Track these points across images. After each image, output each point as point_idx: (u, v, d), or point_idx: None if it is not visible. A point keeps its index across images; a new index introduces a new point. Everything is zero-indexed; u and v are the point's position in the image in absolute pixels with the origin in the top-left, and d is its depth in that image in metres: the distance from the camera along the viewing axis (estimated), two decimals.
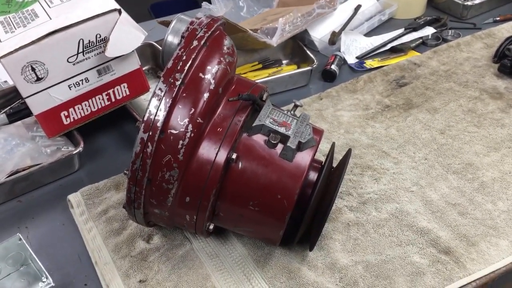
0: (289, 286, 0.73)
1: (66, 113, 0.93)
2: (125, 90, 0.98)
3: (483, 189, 0.86)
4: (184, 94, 0.65)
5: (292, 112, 0.75)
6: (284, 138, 0.69)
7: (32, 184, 0.92)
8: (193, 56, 0.67)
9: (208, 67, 0.67)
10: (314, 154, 0.71)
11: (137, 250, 0.79)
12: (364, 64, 1.19)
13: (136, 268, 0.77)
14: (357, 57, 1.21)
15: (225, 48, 0.71)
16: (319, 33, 1.24)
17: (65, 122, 0.94)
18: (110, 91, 0.96)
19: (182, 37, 0.70)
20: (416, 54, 1.21)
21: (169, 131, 0.65)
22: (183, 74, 0.65)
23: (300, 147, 0.69)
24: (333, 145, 0.77)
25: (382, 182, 0.89)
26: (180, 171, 0.66)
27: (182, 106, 0.65)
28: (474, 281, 0.74)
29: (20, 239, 0.76)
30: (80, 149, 0.94)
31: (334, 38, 1.21)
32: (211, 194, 0.68)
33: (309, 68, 1.11)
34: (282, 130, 0.69)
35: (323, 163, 0.75)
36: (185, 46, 0.67)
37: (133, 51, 0.93)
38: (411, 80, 1.12)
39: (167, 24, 1.12)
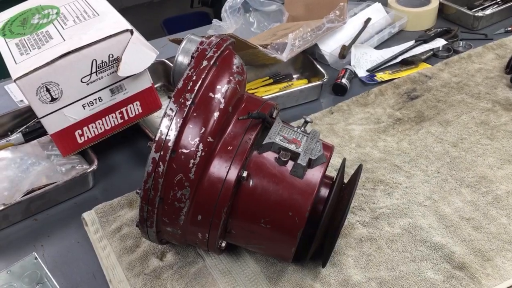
0: None
1: (80, 132, 0.94)
2: (137, 108, 0.99)
3: (497, 203, 0.86)
4: (195, 114, 0.66)
5: (302, 128, 0.75)
6: (294, 156, 0.69)
7: (47, 202, 0.93)
8: (203, 76, 0.68)
9: (218, 87, 0.68)
10: (325, 171, 0.71)
11: (151, 268, 0.80)
12: (375, 77, 1.19)
13: (149, 286, 0.77)
14: (367, 70, 1.21)
15: (234, 67, 0.72)
16: (329, 47, 1.25)
17: (79, 141, 0.95)
18: (123, 109, 0.97)
19: (192, 57, 0.71)
20: (427, 66, 1.21)
21: (180, 150, 0.65)
22: (193, 94, 0.66)
23: (311, 164, 0.69)
24: (344, 160, 0.77)
25: (395, 197, 0.88)
26: (191, 189, 0.67)
27: (192, 125, 0.66)
28: None
29: (36, 258, 0.78)
30: (94, 167, 0.95)
31: (344, 51, 1.21)
32: (222, 212, 0.68)
33: (319, 82, 1.12)
34: (292, 147, 0.70)
35: (334, 179, 0.75)
36: (195, 66, 0.68)
37: (145, 69, 0.95)
38: (423, 92, 1.12)
39: (178, 41, 1.14)
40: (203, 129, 0.66)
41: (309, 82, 1.18)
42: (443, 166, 0.94)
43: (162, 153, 0.65)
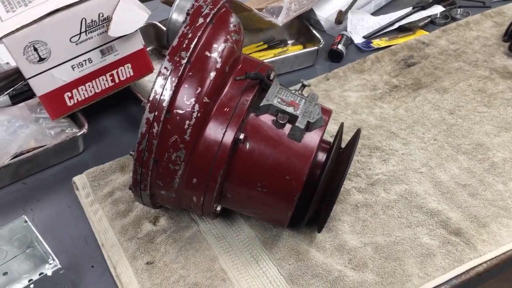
0: (297, 267, 0.73)
1: (69, 94, 0.92)
2: (129, 71, 0.96)
3: (493, 170, 0.85)
4: (190, 73, 0.64)
5: (299, 92, 0.73)
6: (292, 118, 0.68)
7: (36, 166, 0.91)
8: (199, 34, 0.65)
9: (215, 45, 0.66)
10: (323, 134, 0.69)
11: (144, 232, 0.78)
12: (371, 44, 1.17)
13: (143, 250, 0.76)
14: (364, 37, 1.18)
15: (231, 25, 0.69)
16: (325, 13, 1.22)
17: (68, 104, 0.92)
18: (114, 71, 0.94)
19: (188, 14, 0.68)
20: (425, 33, 1.19)
21: (175, 111, 0.63)
22: (189, 53, 0.64)
23: (309, 127, 0.68)
24: (341, 125, 0.75)
25: (391, 163, 0.87)
26: (187, 152, 0.65)
27: (188, 85, 0.64)
28: (485, 262, 0.73)
29: (25, 221, 0.75)
30: (84, 130, 0.92)
31: (341, 17, 1.18)
32: (218, 175, 0.66)
33: (315, 48, 1.09)
34: (290, 109, 0.68)
35: (331, 144, 0.74)
36: (191, 23, 0.66)
37: (136, 30, 0.92)
38: (420, 59, 1.10)
39: (170, 3, 1.10)
40: (199, 89, 0.64)
41: (304, 48, 1.15)
42: (439, 133, 0.93)
43: (156, 114, 0.63)
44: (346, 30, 1.18)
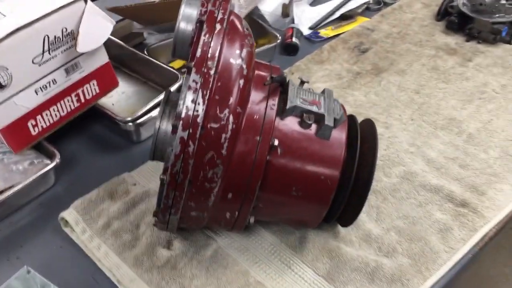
0: (333, 265, 0.72)
1: (33, 122, 0.81)
2: (94, 88, 0.88)
3: (472, 140, 0.91)
4: (219, 84, 0.59)
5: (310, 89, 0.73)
6: (317, 117, 0.66)
7: (8, 208, 0.79)
8: (220, 41, 0.61)
9: (237, 52, 0.62)
10: (347, 130, 0.69)
11: (162, 260, 0.72)
12: (320, 34, 1.19)
13: (168, 279, 0.70)
14: (310, 28, 1.20)
15: (245, 29, 0.66)
16: (269, 7, 1.21)
17: (33, 133, 0.82)
18: (79, 90, 0.85)
19: (201, 21, 0.63)
20: (365, 19, 1.23)
21: (209, 125, 0.59)
22: (215, 62, 0.59)
23: (335, 124, 0.67)
24: (354, 117, 0.75)
25: (382, 148, 0.90)
26: (224, 167, 0.61)
27: (219, 97, 0.59)
28: (494, 227, 0.78)
29: (28, 272, 0.66)
30: (57, 161, 0.82)
31: (287, 10, 1.18)
32: (256, 187, 0.63)
33: (273, 44, 1.08)
34: (314, 109, 0.67)
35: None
36: (209, 30, 0.61)
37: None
38: (371, 45, 1.14)
39: (120, 10, 1.02)
40: (231, 99, 0.60)
41: (257, 44, 1.13)
42: (414, 113, 0.97)
43: (191, 131, 0.58)
44: (293, 23, 1.19)
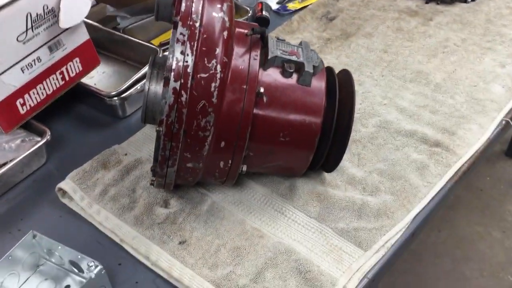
0: (323, 207, 0.77)
1: (21, 101, 0.83)
2: (77, 66, 0.90)
3: (439, 89, 0.98)
4: (205, 36, 0.63)
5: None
6: (298, 66, 0.71)
7: (3, 186, 0.81)
8: None
9: (218, 6, 0.66)
10: (326, 78, 0.74)
11: (161, 217, 0.76)
12: (288, 8, 1.23)
13: (169, 233, 0.73)
14: (278, 2, 1.25)
15: None
16: None
17: (21, 112, 0.84)
18: (63, 68, 0.88)
19: None
20: None
21: (199, 75, 0.63)
22: (199, 15, 0.63)
23: (315, 71, 0.72)
24: (331, 68, 0.79)
25: (358, 102, 0.94)
26: (215, 115, 0.64)
27: (206, 48, 0.63)
28: (466, 162, 0.84)
29: (34, 236, 0.68)
30: (47, 137, 0.85)
31: None
32: (246, 133, 0.67)
33: (245, 17, 1.13)
34: (294, 58, 0.71)
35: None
36: None
37: (81, 21, 0.86)
38: (337, 13, 1.20)
39: None
40: (217, 50, 0.64)
41: None
42: (383, 70, 1.03)
43: (182, 81, 0.62)
44: None
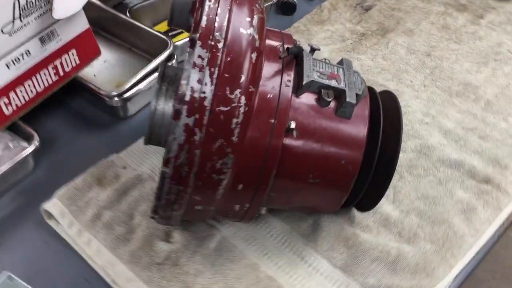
0: (351, 255, 0.66)
1: (6, 101, 0.71)
2: (74, 59, 0.77)
3: (490, 108, 0.84)
4: (229, 59, 0.50)
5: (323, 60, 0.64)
6: (337, 93, 0.58)
7: None
8: (228, 7, 0.51)
9: (247, 19, 0.52)
10: (369, 106, 0.61)
11: (162, 255, 0.65)
12: None
13: (170, 277, 0.63)
14: None
15: None
16: None
17: (6, 112, 0.72)
18: (57, 62, 0.75)
19: None
20: None
21: (218, 109, 0.50)
22: (223, 33, 0.50)
23: (357, 100, 0.59)
24: (374, 90, 0.66)
25: None
26: (235, 156, 0.52)
27: (229, 74, 0.50)
28: None
29: (10, 278, 0.58)
30: (36, 143, 0.73)
31: None
32: (270, 176, 0.55)
33: (269, 3, 0.98)
34: (333, 83, 0.58)
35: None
36: None
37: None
38: (374, 2, 1.05)
39: None
40: (242, 77, 0.51)
41: None
42: (426, 78, 0.89)
43: (197, 117, 0.49)
44: None
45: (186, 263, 0.64)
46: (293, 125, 0.55)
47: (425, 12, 1.02)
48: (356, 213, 0.70)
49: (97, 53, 0.80)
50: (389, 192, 0.73)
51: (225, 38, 0.50)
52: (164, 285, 0.62)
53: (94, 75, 0.86)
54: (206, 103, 0.49)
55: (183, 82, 0.50)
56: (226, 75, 0.50)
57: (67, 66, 0.76)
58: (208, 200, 0.56)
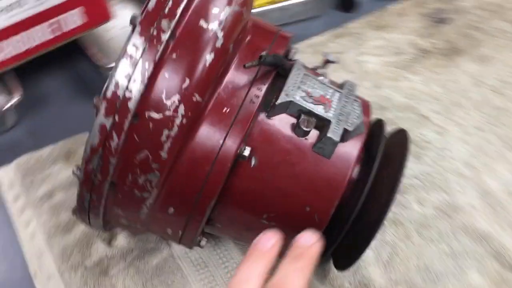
0: None
1: None
2: (77, 18, 0.70)
3: None
4: (174, 55, 0.40)
5: (322, 70, 0.52)
6: (321, 123, 0.46)
7: None
8: None
9: (214, 10, 0.41)
10: (362, 146, 0.48)
11: (95, 258, 0.57)
12: None
13: (92, 284, 0.55)
14: None
15: None
16: None
17: None
18: (56, 19, 0.68)
19: None
20: None
21: (147, 114, 0.40)
22: (174, 22, 0.40)
23: (345, 137, 0.46)
24: (381, 123, 0.53)
25: (425, 162, 0.67)
26: (162, 174, 0.42)
27: (169, 74, 0.40)
28: None
29: None
30: (18, 97, 0.68)
31: None
32: (207, 207, 0.45)
33: None
34: (319, 110, 0.45)
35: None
36: None
37: None
38: (452, 14, 0.87)
39: None
40: (187, 80, 0.40)
41: None
42: (484, 120, 0.72)
43: (117, 119, 0.39)
44: None
45: (115, 274, 0.56)
46: (246, 152, 0.43)
47: (511, 39, 0.84)
48: (332, 266, 0.57)
49: (106, 17, 0.72)
50: (384, 250, 0.59)
51: (175, 29, 0.40)
52: None
53: (108, 40, 0.79)
54: (131, 104, 0.39)
55: (111, 72, 0.40)
56: (166, 74, 0.40)
57: (67, 25, 0.69)
58: (132, 217, 0.46)
